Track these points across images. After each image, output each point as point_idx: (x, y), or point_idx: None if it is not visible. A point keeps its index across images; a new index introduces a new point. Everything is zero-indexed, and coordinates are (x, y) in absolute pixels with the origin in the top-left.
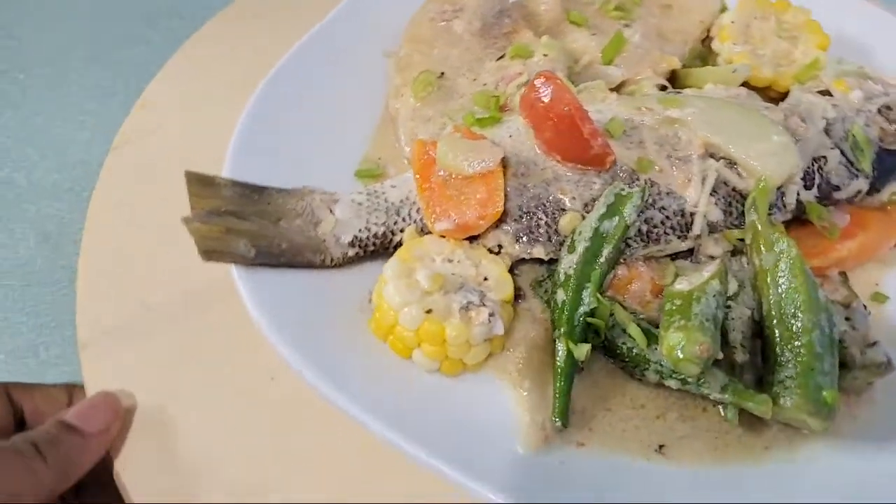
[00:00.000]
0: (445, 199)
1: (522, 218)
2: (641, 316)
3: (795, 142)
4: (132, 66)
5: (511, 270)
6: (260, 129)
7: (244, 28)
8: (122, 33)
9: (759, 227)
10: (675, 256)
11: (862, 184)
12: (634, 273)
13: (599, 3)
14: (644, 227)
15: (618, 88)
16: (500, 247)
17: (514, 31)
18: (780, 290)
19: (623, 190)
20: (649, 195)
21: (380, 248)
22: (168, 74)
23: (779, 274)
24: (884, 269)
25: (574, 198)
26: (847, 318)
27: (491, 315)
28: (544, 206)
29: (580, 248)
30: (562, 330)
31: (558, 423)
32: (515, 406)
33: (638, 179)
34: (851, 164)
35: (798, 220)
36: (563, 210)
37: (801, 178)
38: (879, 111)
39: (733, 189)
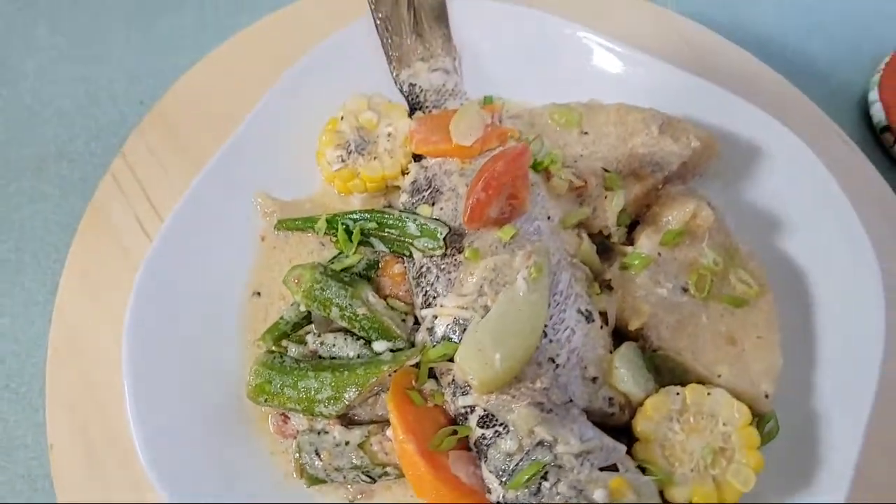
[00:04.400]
0: (434, 122)
1: (426, 181)
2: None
3: (506, 394)
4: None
5: None
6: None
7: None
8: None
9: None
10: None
11: (496, 489)
12: (398, 280)
13: (706, 263)
14: (423, 269)
15: (602, 282)
16: (407, 172)
17: (639, 179)
18: (357, 361)
19: (439, 233)
20: (443, 260)
21: (409, 104)
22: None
23: (372, 360)
24: None
25: (441, 209)
26: None
27: (340, 159)
28: (434, 191)
29: (396, 213)
30: (333, 214)
31: (276, 220)
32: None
33: (460, 252)
34: (510, 473)
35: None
36: (432, 205)
37: (485, 413)
38: None
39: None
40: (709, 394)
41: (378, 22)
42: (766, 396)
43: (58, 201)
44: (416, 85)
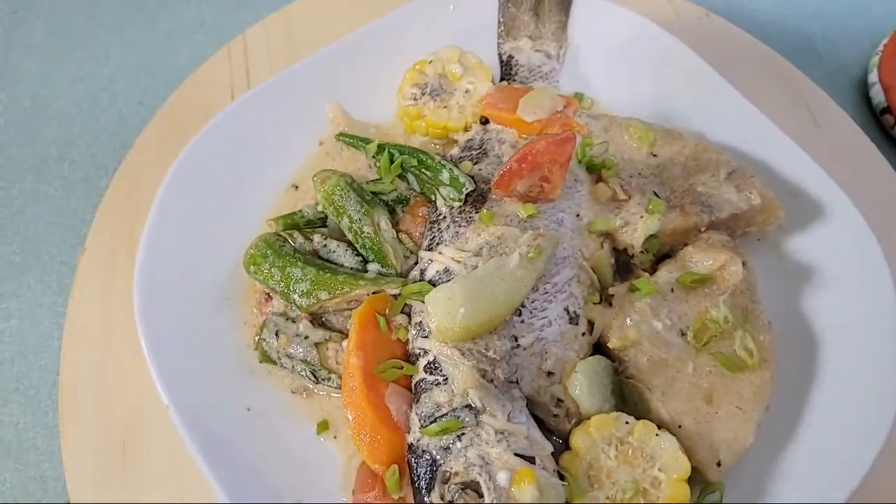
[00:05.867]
0: (508, 93)
1: (480, 142)
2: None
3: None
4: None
5: None
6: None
7: None
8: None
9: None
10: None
11: (412, 434)
12: (420, 222)
13: (719, 316)
14: (437, 216)
15: (607, 295)
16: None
17: (688, 215)
18: (333, 269)
19: (465, 188)
20: (459, 213)
21: (504, 76)
22: None
23: (347, 273)
24: None
25: (480, 169)
26: None
27: (415, 97)
28: (483, 152)
29: (437, 158)
30: (387, 143)
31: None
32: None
33: (476, 211)
34: (431, 420)
35: None
36: (476, 163)
37: (433, 361)
38: (463, 486)
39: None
40: (657, 435)
41: None
42: (719, 465)
43: (60, 202)
44: (514, 58)
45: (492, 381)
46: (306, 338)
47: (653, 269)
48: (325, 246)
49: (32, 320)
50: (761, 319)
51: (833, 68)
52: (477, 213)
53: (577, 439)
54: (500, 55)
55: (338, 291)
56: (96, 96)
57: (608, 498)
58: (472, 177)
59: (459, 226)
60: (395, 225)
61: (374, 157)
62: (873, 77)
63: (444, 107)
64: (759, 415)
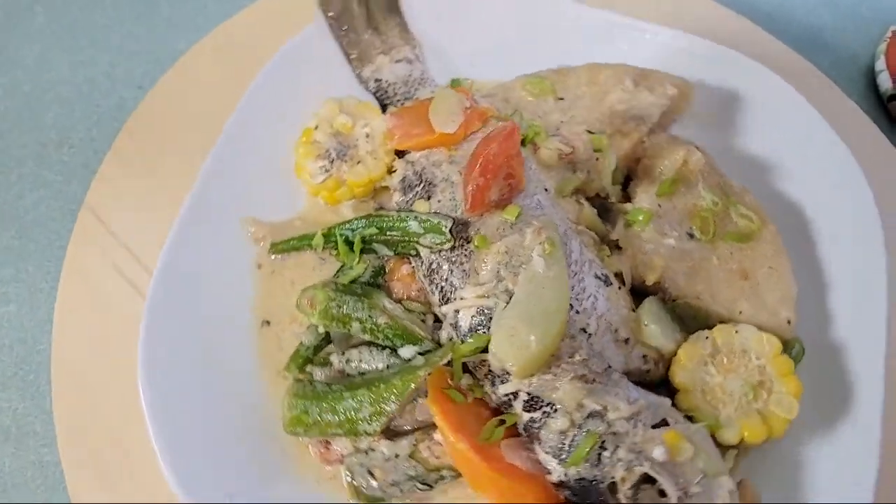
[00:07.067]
0: (411, 115)
1: (416, 176)
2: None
3: (548, 373)
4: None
5: None
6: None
7: None
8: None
9: (449, 347)
10: None
11: (555, 469)
12: (408, 281)
13: (705, 205)
14: (433, 265)
15: (609, 243)
16: (395, 170)
17: (624, 135)
18: (389, 372)
19: (444, 226)
20: (453, 252)
21: (379, 101)
22: None
23: (404, 368)
24: None
25: (439, 201)
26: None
27: (324, 169)
28: (428, 184)
29: (393, 214)
30: (329, 226)
31: (269, 245)
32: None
33: (468, 242)
34: (567, 449)
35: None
36: (428, 199)
37: (529, 396)
38: (646, 479)
39: (489, 326)
40: (736, 332)
41: (330, 22)
42: (789, 323)
43: (60, 187)
44: (381, 80)
45: (593, 380)
46: (397, 456)
47: (626, 198)
48: (348, 361)
49: (31, 305)
50: (735, 186)
51: (840, 57)
52: (468, 242)
53: (679, 377)
54: (365, 86)
55: (404, 394)
56: (96, 81)
57: (737, 410)
58: (436, 212)
59: (461, 264)
60: (390, 298)
61: (324, 248)
62: (880, 64)
63: (358, 162)
64: (788, 262)
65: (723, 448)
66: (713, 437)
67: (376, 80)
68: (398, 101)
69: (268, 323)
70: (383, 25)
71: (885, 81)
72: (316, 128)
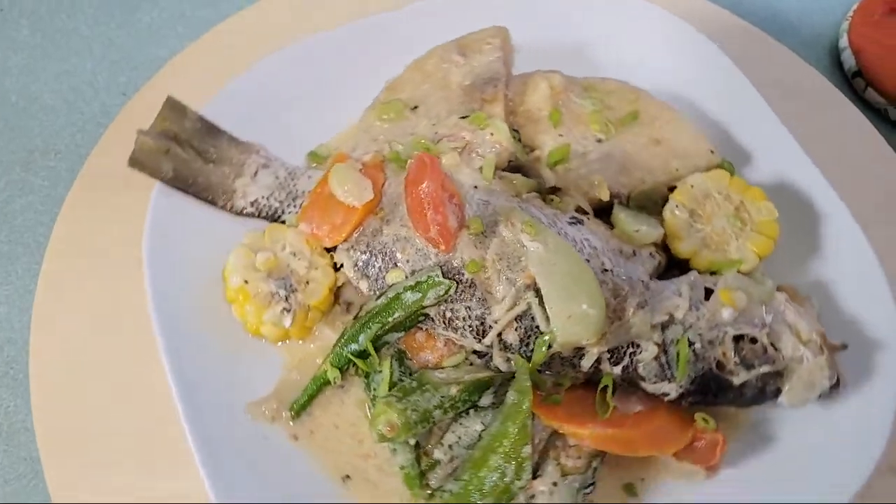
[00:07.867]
0: (318, 209)
1: (366, 254)
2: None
3: (613, 322)
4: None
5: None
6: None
7: None
8: None
9: (518, 368)
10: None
11: (670, 388)
12: (430, 344)
13: (590, 110)
14: (448, 314)
15: (552, 191)
16: (342, 265)
17: (490, 101)
18: (495, 425)
19: (437, 277)
20: (458, 292)
21: (268, 218)
22: None
23: (506, 412)
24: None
25: (408, 260)
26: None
27: (285, 310)
28: (384, 254)
29: (381, 301)
30: (330, 353)
31: (290, 413)
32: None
33: (463, 274)
34: (667, 366)
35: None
36: (395, 265)
37: (609, 352)
38: (736, 339)
39: (536, 326)
40: (691, 186)
41: (171, 184)
42: (712, 152)
43: (47, 192)
44: (256, 200)
45: (646, 302)
46: (555, 484)
47: (529, 148)
48: (450, 448)
49: (21, 307)
50: (594, 81)
51: (805, 36)
52: (464, 275)
53: (682, 248)
54: (245, 215)
55: (525, 433)
56: (80, 89)
57: (738, 239)
58: (413, 272)
59: (472, 297)
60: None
61: (341, 376)
62: (844, 42)
63: (306, 282)
64: (671, 107)
65: (751, 274)
66: (741, 272)
67: (252, 203)
68: (287, 206)
69: (349, 477)
70: (217, 152)
71: (848, 59)
72: (245, 283)
